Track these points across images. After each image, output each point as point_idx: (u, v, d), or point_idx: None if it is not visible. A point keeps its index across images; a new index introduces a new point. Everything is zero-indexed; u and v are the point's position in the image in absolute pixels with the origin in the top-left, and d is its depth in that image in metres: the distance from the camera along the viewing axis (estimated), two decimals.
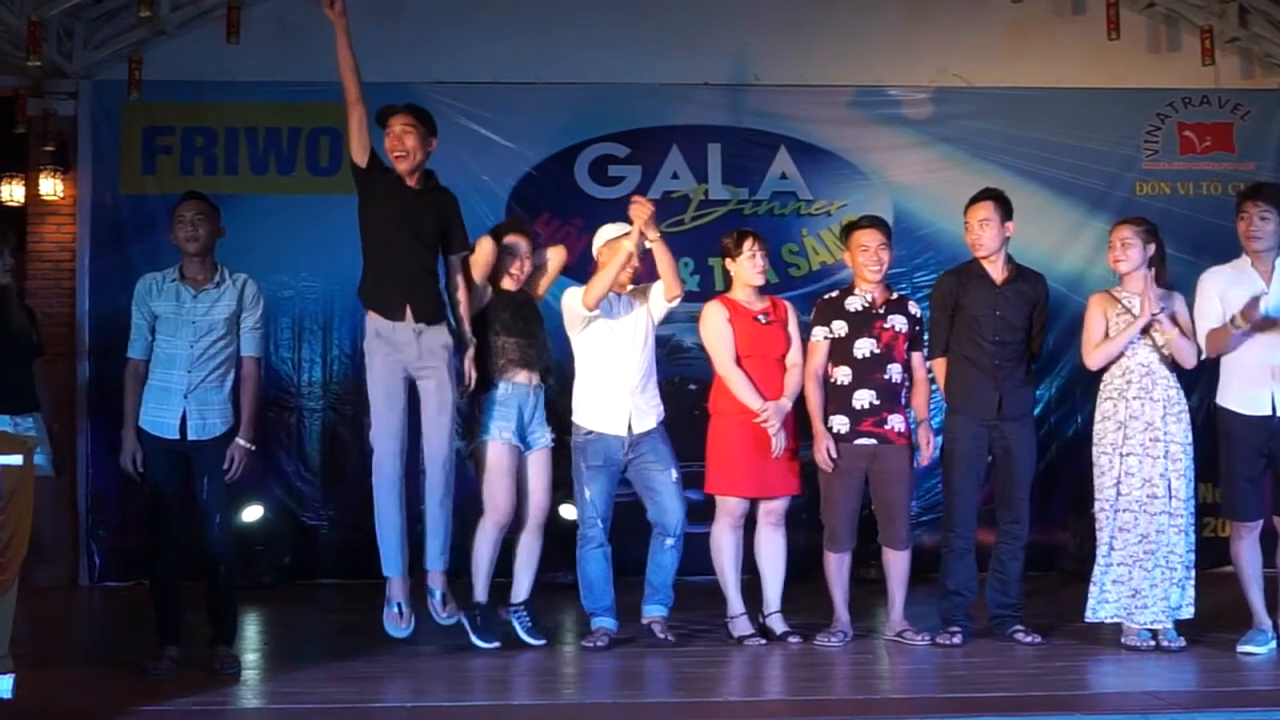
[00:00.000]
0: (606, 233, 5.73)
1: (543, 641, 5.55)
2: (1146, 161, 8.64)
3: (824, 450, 5.53)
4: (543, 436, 5.58)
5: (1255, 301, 5.17)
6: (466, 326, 5.39)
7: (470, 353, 5.38)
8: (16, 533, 4.08)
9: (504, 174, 8.39)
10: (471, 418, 5.54)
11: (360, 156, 5.30)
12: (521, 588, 5.60)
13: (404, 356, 5.25)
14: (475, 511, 5.53)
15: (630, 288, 5.70)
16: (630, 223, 5.54)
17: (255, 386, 5.24)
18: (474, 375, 5.36)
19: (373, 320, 5.29)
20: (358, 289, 5.39)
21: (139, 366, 5.18)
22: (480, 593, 5.47)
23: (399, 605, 5.27)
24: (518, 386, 5.49)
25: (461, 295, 5.42)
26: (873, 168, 8.57)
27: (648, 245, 5.56)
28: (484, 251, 5.48)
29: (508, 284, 5.57)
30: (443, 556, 5.33)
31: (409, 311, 5.25)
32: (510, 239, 5.60)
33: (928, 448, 5.65)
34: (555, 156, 8.43)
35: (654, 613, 5.59)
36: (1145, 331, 5.41)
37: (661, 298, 5.64)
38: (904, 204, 8.49)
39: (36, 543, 4.41)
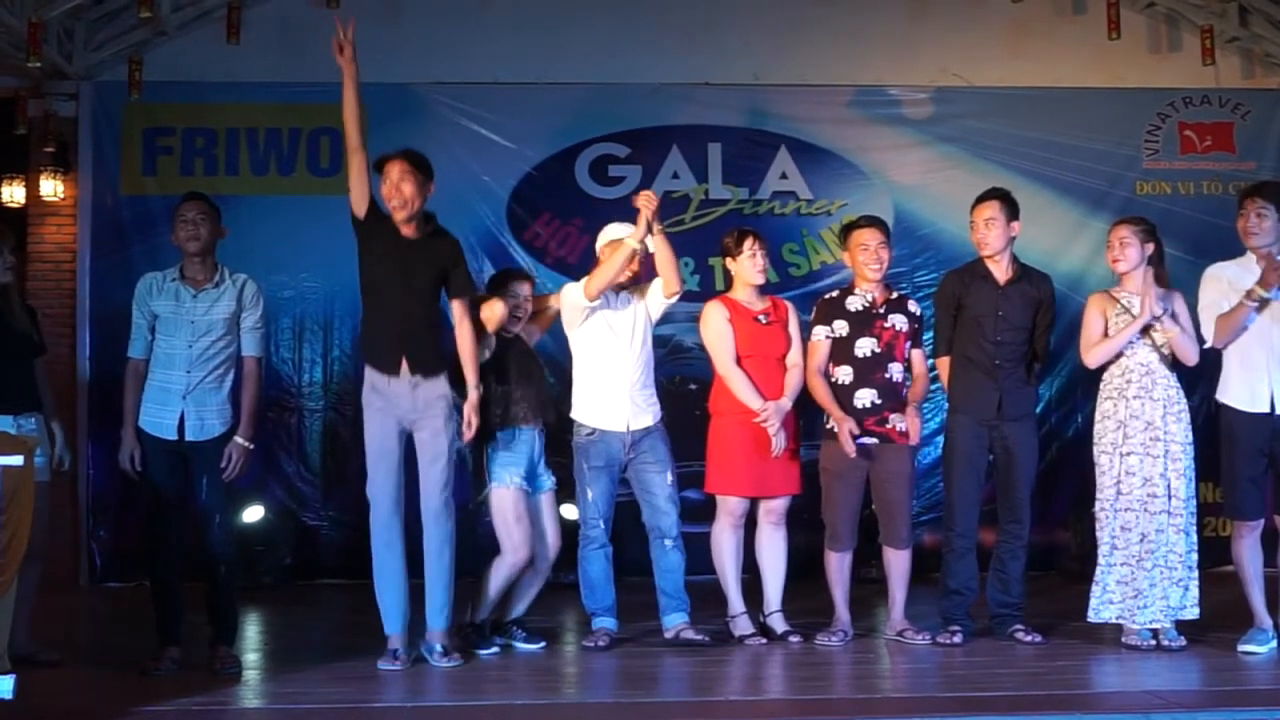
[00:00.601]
0: (611, 232, 5.72)
1: (542, 644, 5.57)
2: (1147, 161, 8.64)
3: (846, 434, 5.49)
4: (548, 479, 5.60)
5: (1275, 263, 5.19)
6: (470, 373, 5.28)
7: (473, 400, 5.26)
8: (17, 533, 4.09)
9: (505, 174, 8.38)
10: (479, 466, 5.51)
11: (360, 207, 5.20)
12: (518, 609, 5.63)
13: (399, 410, 5.16)
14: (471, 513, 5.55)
15: (630, 287, 5.69)
16: (635, 222, 5.54)
17: (256, 386, 5.24)
18: (475, 423, 5.25)
19: (369, 374, 5.22)
20: (359, 343, 5.35)
21: (139, 366, 5.18)
22: (481, 615, 5.48)
23: (397, 651, 5.15)
24: (524, 431, 5.47)
25: (466, 341, 5.28)
26: (873, 167, 8.57)
27: (649, 240, 5.53)
28: (496, 314, 5.44)
29: (515, 326, 5.57)
30: (443, 614, 5.22)
31: (404, 365, 5.15)
32: (511, 287, 5.59)
33: (916, 419, 5.62)
34: (556, 157, 8.43)
35: (676, 621, 5.54)
36: (1145, 331, 5.42)
37: (660, 294, 5.62)
38: (904, 204, 8.49)
39: (29, 549, 4.41)
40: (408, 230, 5.21)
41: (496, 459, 5.44)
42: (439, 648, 5.19)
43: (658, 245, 5.53)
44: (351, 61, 5.17)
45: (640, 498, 5.63)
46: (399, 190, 5.14)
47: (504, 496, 5.43)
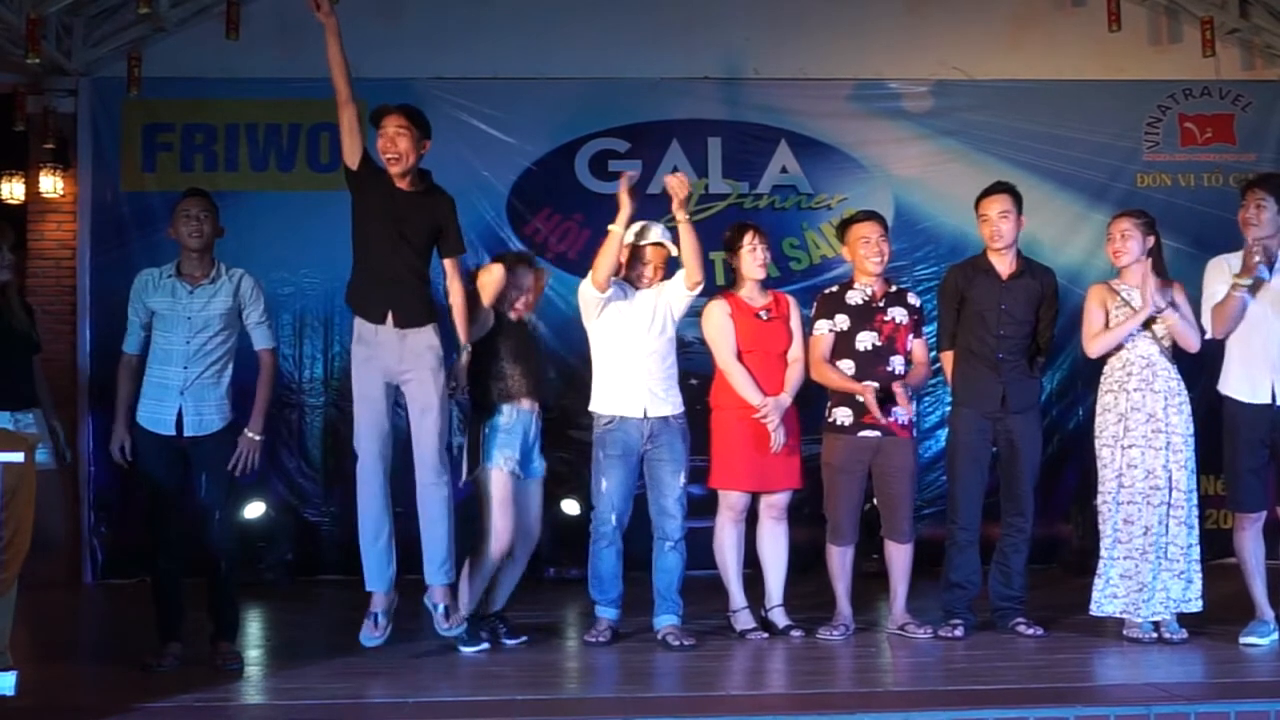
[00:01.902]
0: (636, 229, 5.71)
1: (524, 639, 5.54)
2: (1148, 153, 8.64)
3: (871, 397, 5.44)
4: (540, 465, 5.60)
5: (1252, 249, 5.20)
6: (461, 330, 5.33)
7: (464, 358, 5.33)
8: (19, 530, 4.09)
9: (505, 169, 8.38)
10: (474, 444, 5.47)
11: (352, 158, 5.21)
12: (498, 601, 5.61)
13: (385, 361, 5.17)
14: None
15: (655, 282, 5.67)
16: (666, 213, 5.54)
17: (269, 378, 5.28)
18: (465, 381, 5.32)
19: (357, 325, 5.23)
20: (345, 292, 5.35)
21: (132, 360, 5.19)
22: (466, 609, 5.45)
23: (377, 616, 5.17)
24: (522, 413, 5.47)
25: (457, 299, 5.34)
26: (873, 161, 8.56)
27: (675, 226, 5.50)
28: (494, 278, 5.44)
29: (512, 313, 5.56)
30: (444, 569, 5.22)
31: (390, 317, 5.16)
32: (516, 273, 5.58)
33: (901, 391, 5.51)
34: (556, 151, 8.43)
35: (665, 623, 5.52)
36: (1146, 324, 5.42)
37: (682, 287, 5.56)
38: (905, 197, 8.48)
39: (47, 538, 4.41)
40: (402, 184, 5.23)
41: (493, 439, 5.42)
42: (442, 607, 5.19)
43: (683, 234, 5.48)
44: (330, 15, 5.14)
45: (650, 493, 5.60)
46: (394, 144, 5.17)
47: (495, 479, 5.41)
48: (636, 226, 5.60)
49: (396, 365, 5.18)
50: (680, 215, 5.47)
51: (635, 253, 5.60)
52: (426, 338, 5.22)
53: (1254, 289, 5.30)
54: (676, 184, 5.43)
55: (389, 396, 5.22)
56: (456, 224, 5.37)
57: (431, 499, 5.23)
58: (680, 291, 5.58)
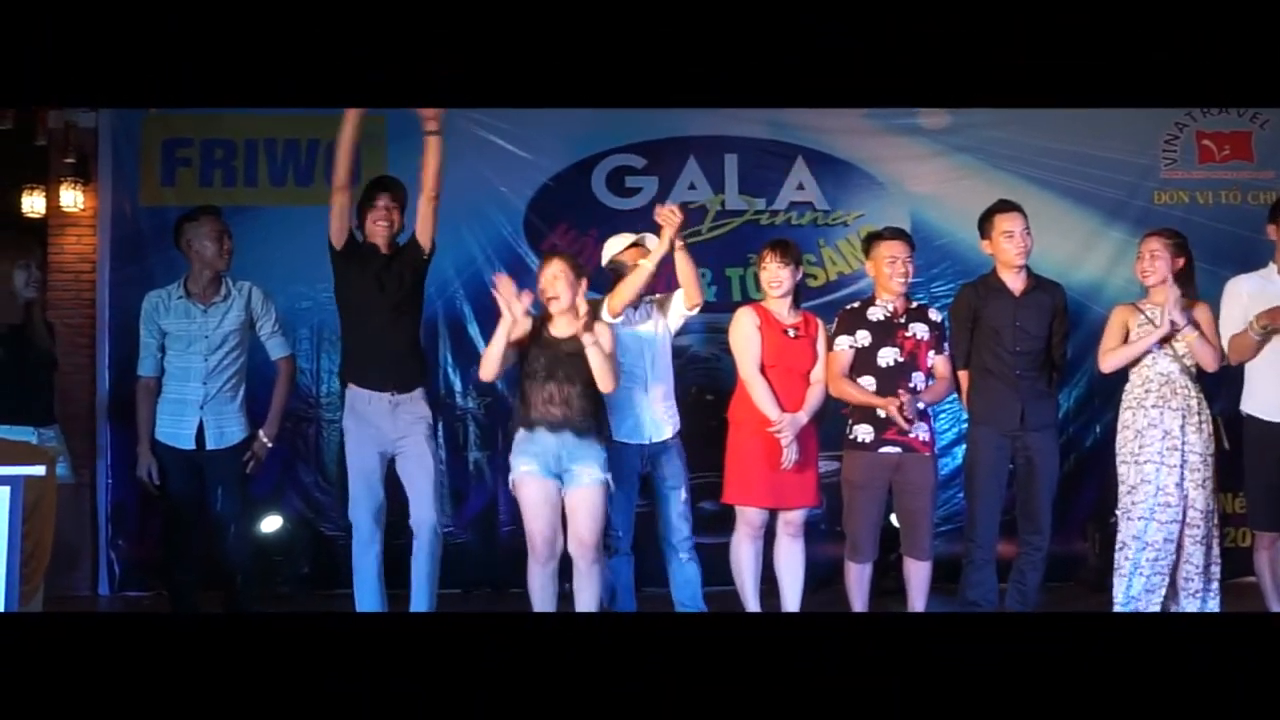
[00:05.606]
0: (614, 245, 5.75)
1: None
2: (1165, 170, 8.58)
3: (896, 410, 5.44)
4: (583, 475, 5.21)
5: (1276, 311, 5.18)
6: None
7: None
8: (40, 542, 4.11)
9: (522, 185, 8.37)
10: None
11: (339, 239, 5.29)
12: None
13: (379, 432, 5.21)
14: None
15: (649, 298, 5.70)
16: (654, 232, 5.56)
17: (286, 383, 5.44)
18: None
19: (350, 394, 5.27)
20: (340, 367, 5.44)
21: (150, 383, 5.25)
22: None
23: None
24: (539, 434, 5.23)
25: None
26: (890, 178, 8.53)
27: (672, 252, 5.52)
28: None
29: (556, 328, 5.31)
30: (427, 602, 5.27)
31: (391, 382, 5.23)
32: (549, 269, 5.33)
33: (902, 407, 5.48)
34: (573, 168, 8.42)
35: None
36: (1165, 341, 5.41)
37: (681, 306, 5.63)
38: (921, 214, 8.44)
39: (57, 551, 4.44)
40: (386, 249, 5.32)
41: (513, 449, 5.38)
42: None
43: (679, 259, 5.51)
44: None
45: (658, 511, 5.64)
46: (389, 216, 5.29)
47: (517, 486, 5.33)
48: (626, 240, 5.66)
49: (391, 435, 5.22)
50: (676, 243, 5.47)
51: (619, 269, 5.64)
52: (419, 408, 5.29)
53: (1265, 339, 5.29)
54: (667, 217, 5.40)
55: (384, 466, 5.25)
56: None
57: (424, 557, 5.27)
58: (679, 310, 5.65)
